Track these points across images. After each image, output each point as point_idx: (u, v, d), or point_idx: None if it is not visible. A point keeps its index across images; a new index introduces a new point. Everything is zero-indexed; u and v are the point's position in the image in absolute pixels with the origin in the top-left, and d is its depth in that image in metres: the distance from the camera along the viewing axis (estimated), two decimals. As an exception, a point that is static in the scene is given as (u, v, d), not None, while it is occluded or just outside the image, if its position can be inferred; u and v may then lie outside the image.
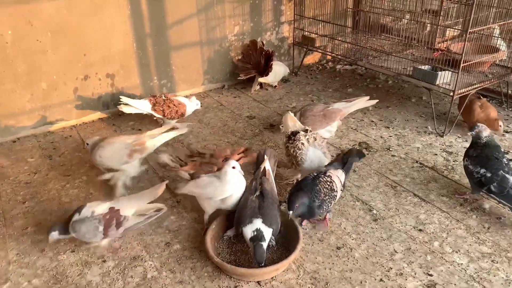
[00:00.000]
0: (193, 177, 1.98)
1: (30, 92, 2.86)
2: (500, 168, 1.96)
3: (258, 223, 1.68)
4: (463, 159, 2.13)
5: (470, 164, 2.05)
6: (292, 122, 2.33)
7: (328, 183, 1.85)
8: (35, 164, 2.59)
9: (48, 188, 2.35)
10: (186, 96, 3.02)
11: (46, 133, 2.98)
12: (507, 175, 1.94)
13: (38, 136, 2.94)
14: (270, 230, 1.70)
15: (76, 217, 1.80)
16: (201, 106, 3.02)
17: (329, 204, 1.87)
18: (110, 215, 1.80)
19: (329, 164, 2.02)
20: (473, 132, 2.07)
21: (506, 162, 2.01)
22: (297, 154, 2.13)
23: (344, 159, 2.04)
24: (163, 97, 2.83)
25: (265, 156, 1.96)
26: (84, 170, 2.50)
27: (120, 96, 2.78)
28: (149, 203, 1.95)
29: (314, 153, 2.13)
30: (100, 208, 1.82)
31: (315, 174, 1.90)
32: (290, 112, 2.38)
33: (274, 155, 2.08)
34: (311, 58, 4.23)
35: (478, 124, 2.12)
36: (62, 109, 3.02)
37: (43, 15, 2.74)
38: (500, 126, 2.64)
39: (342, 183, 1.94)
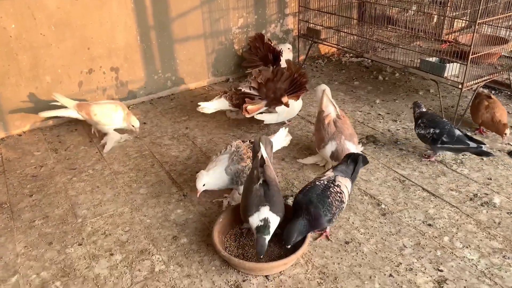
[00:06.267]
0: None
1: (34, 86, 2.85)
2: (445, 124, 2.30)
3: (265, 212, 1.65)
4: (415, 129, 2.42)
5: (422, 129, 2.35)
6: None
7: (339, 194, 1.76)
8: (41, 158, 2.59)
9: (55, 181, 2.35)
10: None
11: (51, 127, 2.98)
12: (453, 129, 2.27)
13: (44, 130, 2.94)
14: (278, 218, 1.67)
15: None
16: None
17: (337, 217, 1.80)
18: None
19: (335, 168, 1.90)
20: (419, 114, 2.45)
21: (449, 122, 2.35)
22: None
23: (349, 163, 1.92)
24: (233, 90, 2.69)
25: (261, 145, 1.88)
26: (90, 164, 2.50)
27: (198, 103, 2.70)
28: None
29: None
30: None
31: (325, 182, 1.78)
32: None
33: (269, 141, 2.00)
34: (317, 51, 4.18)
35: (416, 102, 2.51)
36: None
37: (46, 8, 2.71)
38: (505, 134, 2.42)
39: (349, 193, 1.86)
